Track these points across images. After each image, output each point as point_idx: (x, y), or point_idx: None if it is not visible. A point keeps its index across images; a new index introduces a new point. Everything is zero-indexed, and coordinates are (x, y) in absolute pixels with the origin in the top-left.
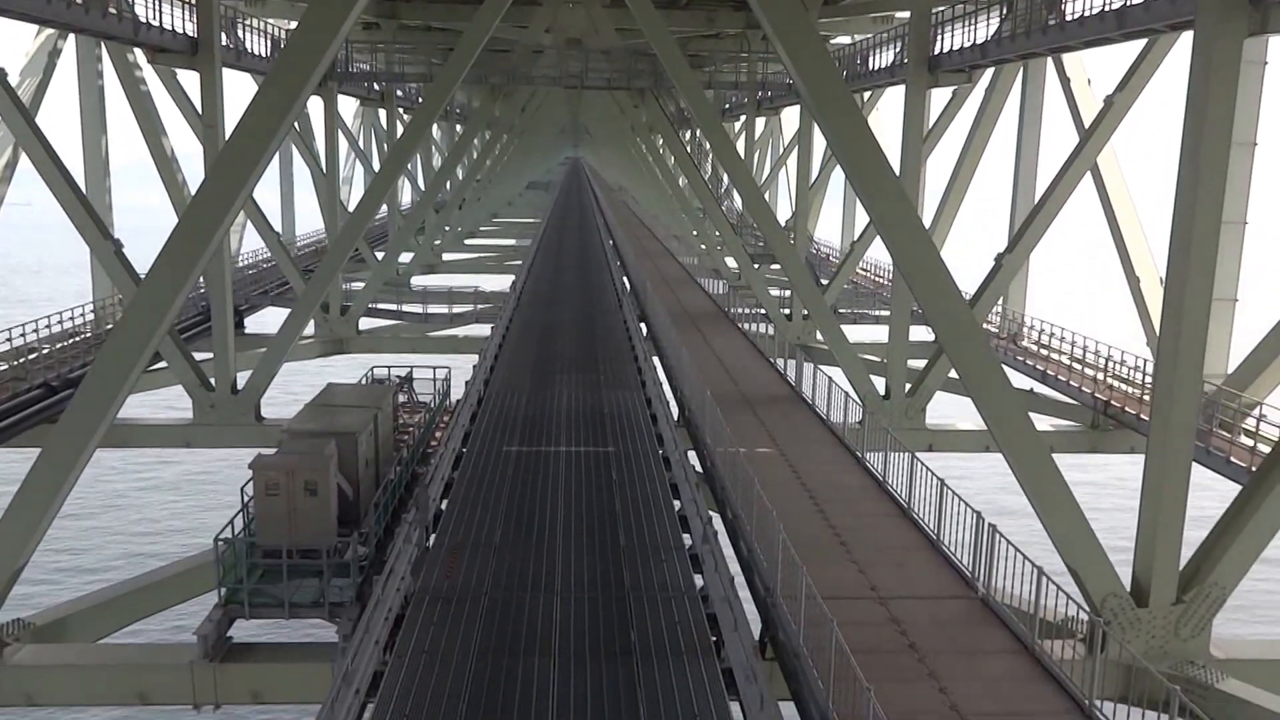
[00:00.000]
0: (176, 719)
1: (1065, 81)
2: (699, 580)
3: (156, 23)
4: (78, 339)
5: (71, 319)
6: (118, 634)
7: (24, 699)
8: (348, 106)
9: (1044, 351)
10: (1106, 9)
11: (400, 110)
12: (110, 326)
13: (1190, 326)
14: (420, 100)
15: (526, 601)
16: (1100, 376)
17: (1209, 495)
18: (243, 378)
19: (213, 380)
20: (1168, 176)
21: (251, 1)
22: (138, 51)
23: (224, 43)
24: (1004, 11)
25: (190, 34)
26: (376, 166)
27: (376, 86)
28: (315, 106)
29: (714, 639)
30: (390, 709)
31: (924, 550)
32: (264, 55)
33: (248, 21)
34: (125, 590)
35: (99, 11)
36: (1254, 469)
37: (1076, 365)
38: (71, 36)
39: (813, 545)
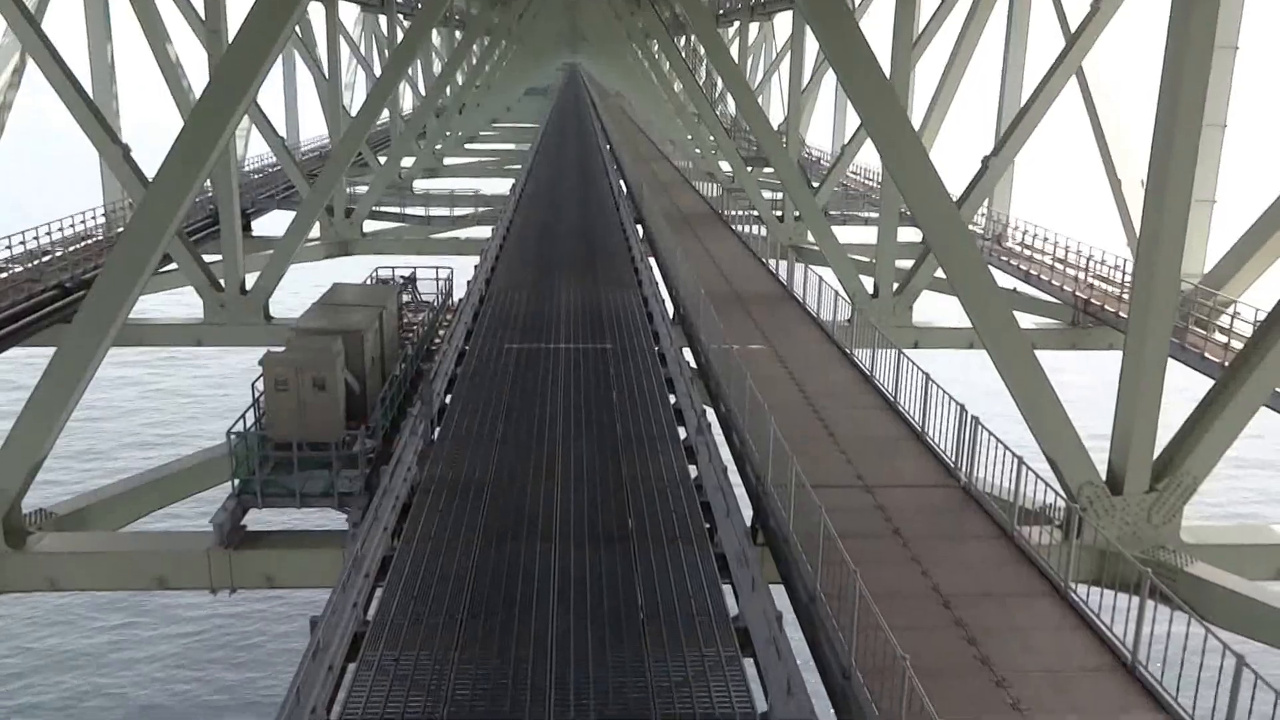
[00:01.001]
0: (195, 602)
1: None
2: (693, 470)
3: None
4: (90, 241)
5: (83, 222)
6: (136, 523)
7: (48, 584)
8: (349, 13)
9: (1027, 252)
10: None
11: (400, 17)
12: (120, 230)
13: (1169, 226)
14: (420, 6)
15: (528, 490)
16: (1081, 276)
17: (1182, 396)
18: (251, 279)
19: (222, 281)
20: (1151, 79)
21: None
22: None
23: None
24: None
25: None
26: (378, 73)
27: None
28: (317, 14)
29: (707, 526)
30: (399, 591)
31: (909, 442)
32: None
33: None
34: (143, 481)
35: None
36: (1227, 364)
37: (1059, 265)
38: None
39: (802, 437)
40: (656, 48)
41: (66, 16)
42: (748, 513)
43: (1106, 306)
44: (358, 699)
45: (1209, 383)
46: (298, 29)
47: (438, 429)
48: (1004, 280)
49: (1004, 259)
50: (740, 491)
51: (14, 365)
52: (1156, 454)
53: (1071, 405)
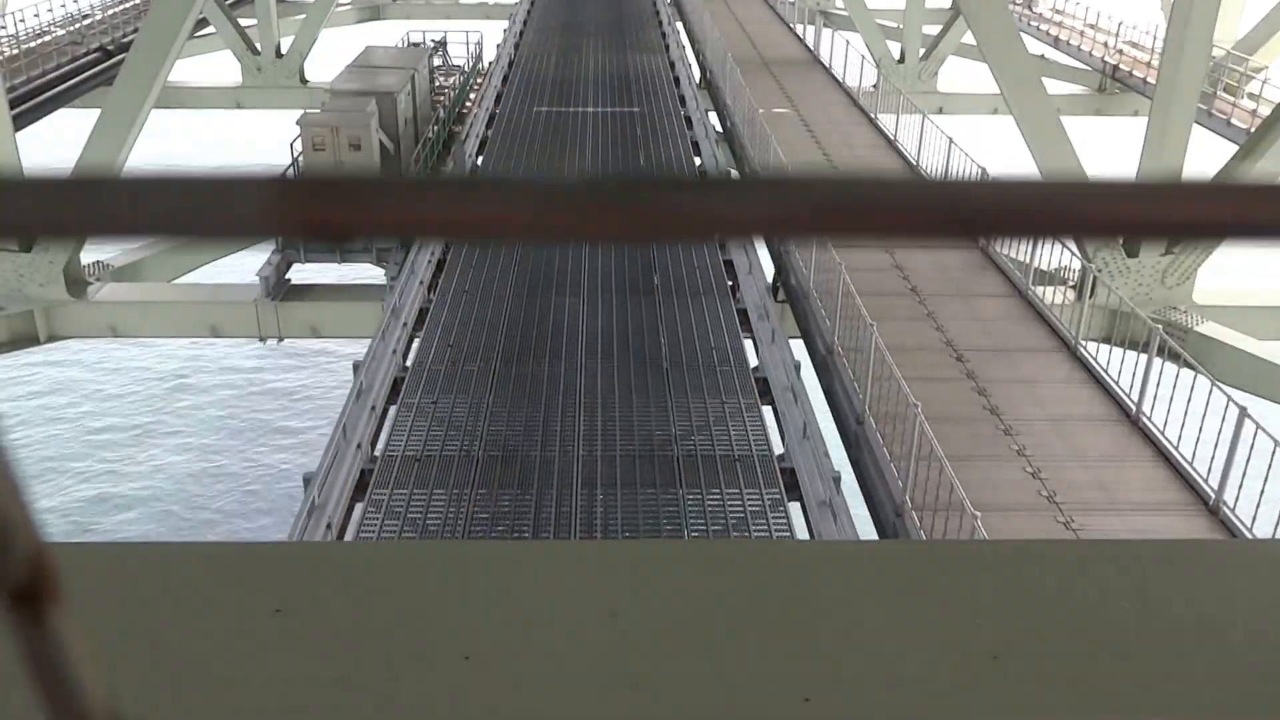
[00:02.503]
0: (244, 349)
1: None
2: None
3: None
4: (129, 4)
5: None
6: (186, 276)
7: (109, 330)
8: None
9: (1058, 17)
10: None
11: None
12: None
13: None
14: None
15: (557, 248)
16: (1111, 42)
17: (1206, 162)
18: (286, 44)
19: (258, 45)
20: None
21: None
22: None
23: None
24: None
25: None
26: None
27: None
28: None
29: (730, 283)
30: (435, 339)
31: None
32: None
33: None
34: None
35: None
36: (1252, 130)
37: (1089, 30)
38: None
39: None
40: None
41: None
42: (770, 274)
43: (1135, 72)
44: (399, 437)
45: (1233, 150)
46: None
47: None
48: (1033, 46)
49: (1034, 24)
50: (763, 252)
51: (60, 128)
52: None
53: (1094, 172)
